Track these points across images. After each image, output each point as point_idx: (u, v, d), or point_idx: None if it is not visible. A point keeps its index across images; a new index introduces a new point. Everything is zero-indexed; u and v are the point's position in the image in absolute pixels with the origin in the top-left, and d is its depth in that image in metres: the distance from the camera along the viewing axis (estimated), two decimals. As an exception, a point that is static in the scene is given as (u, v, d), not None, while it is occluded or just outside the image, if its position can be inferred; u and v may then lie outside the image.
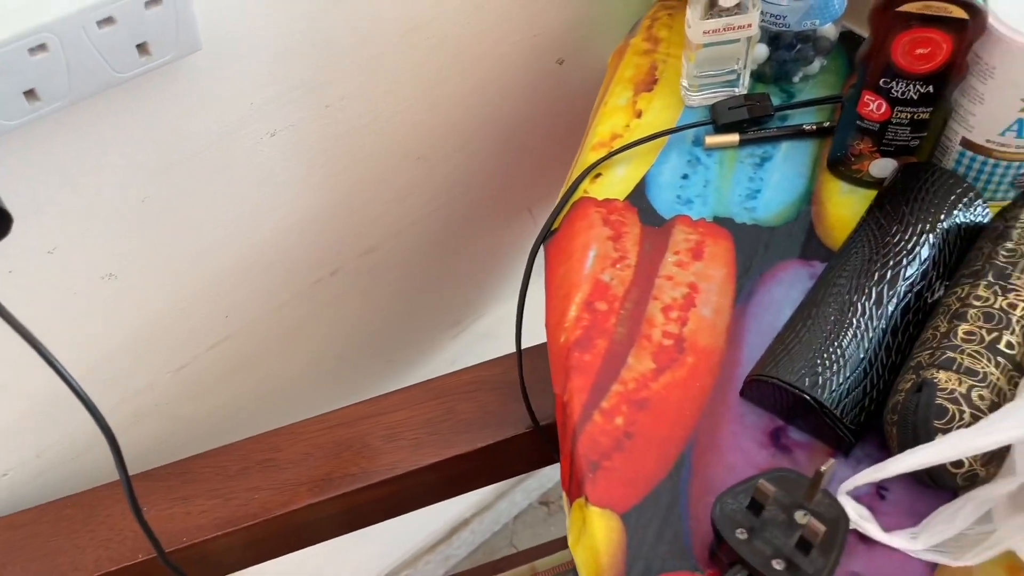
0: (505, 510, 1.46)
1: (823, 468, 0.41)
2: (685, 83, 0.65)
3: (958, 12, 0.48)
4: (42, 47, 0.44)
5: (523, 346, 0.65)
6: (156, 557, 0.62)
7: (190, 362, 0.74)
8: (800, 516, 0.42)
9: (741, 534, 0.42)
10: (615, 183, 0.62)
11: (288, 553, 0.72)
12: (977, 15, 0.48)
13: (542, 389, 0.68)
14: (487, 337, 1.07)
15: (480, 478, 0.72)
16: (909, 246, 0.51)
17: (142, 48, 0.49)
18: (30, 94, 0.46)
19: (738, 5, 0.59)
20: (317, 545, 0.74)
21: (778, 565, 0.41)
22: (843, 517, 0.42)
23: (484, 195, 0.86)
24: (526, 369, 0.66)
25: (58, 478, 0.71)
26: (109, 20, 0.46)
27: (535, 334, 0.64)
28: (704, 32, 0.59)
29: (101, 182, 0.56)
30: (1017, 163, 0.54)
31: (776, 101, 0.64)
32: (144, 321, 0.67)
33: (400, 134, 0.73)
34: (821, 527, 0.40)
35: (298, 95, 0.63)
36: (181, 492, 0.67)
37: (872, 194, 0.59)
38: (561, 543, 1.00)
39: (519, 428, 0.69)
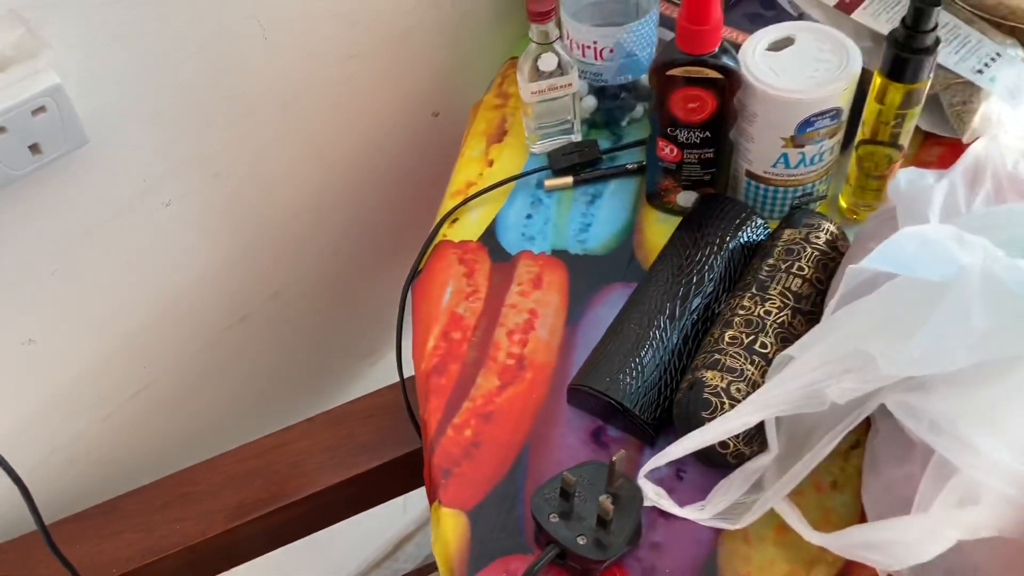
0: (446, 523, 1.54)
1: (614, 458, 0.51)
2: (527, 134, 0.75)
3: (715, 74, 0.58)
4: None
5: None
6: (90, 588, 0.70)
7: (115, 411, 0.81)
8: (603, 499, 0.51)
9: (553, 518, 0.51)
10: (469, 226, 0.72)
11: (216, 574, 0.80)
12: (731, 75, 0.59)
13: (429, 409, 0.77)
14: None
15: (382, 492, 0.81)
16: (700, 266, 0.61)
17: (34, 148, 0.57)
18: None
19: (559, 67, 0.69)
20: (261, 568, 0.82)
21: (582, 540, 0.50)
22: (638, 496, 0.52)
23: (377, 238, 0.95)
24: (414, 393, 0.75)
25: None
26: (1, 129, 0.55)
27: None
28: (532, 92, 0.69)
29: (11, 260, 0.64)
30: (792, 188, 0.65)
31: (606, 144, 0.74)
32: (67, 378, 0.75)
33: (289, 191, 0.81)
34: (610, 505, 0.49)
35: (188, 168, 0.71)
36: (109, 528, 0.75)
37: (682, 221, 0.69)
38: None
39: (412, 445, 0.77)
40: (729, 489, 0.53)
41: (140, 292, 0.75)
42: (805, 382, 0.47)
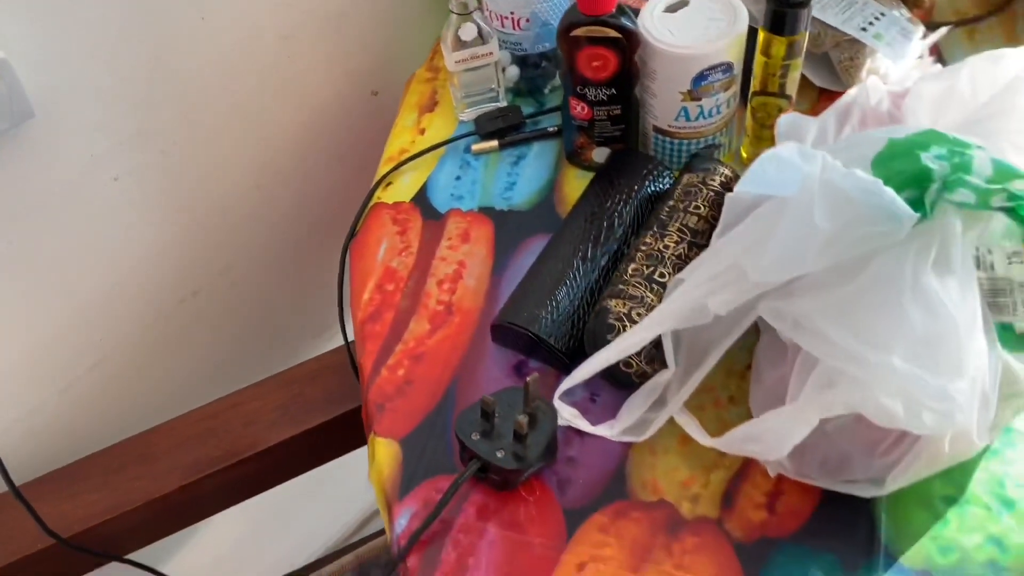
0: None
1: (528, 379, 0.56)
2: (455, 103, 0.80)
3: (614, 33, 0.64)
4: None
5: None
6: (54, 544, 0.74)
7: (72, 383, 0.85)
8: (520, 418, 0.56)
9: (475, 436, 0.56)
10: (402, 189, 0.77)
11: (180, 529, 0.84)
12: (630, 34, 0.64)
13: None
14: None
15: (333, 447, 0.85)
16: (611, 213, 0.66)
17: (-20, 121, 0.62)
18: None
19: (480, 36, 0.74)
20: (233, 541, 0.85)
21: (501, 454, 0.55)
22: (552, 413, 0.57)
23: (322, 211, 1.00)
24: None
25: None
26: (-50, 103, 0.59)
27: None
28: (456, 61, 0.74)
29: (-38, 232, 0.68)
30: (696, 140, 0.70)
31: (529, 110, 0.80)
32: (23, 351, 0.78)
33: (234, 168, 0.86)
34: (524, 420, 0.54)
35: (134, 144, 0.75)
36: (70, 490, 0.79)
37: (598, 176, 0.74)
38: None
39: (359, 402, 0.82)
40: (633, 406, 0.58)
41: (92, 266, 0.79)
42: (690, 298, 0.53)
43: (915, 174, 0.46)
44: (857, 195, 0.44)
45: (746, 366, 0.62)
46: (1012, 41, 0.81)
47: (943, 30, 0.78)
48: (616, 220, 0.66)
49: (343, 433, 0.83)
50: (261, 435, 0.81)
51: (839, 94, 0.72)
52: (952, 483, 0.54)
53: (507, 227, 0.73)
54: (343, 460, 0.90)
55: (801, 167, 0.46)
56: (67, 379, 0.84)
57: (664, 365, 0.58)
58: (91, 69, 0.69)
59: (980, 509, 0.54)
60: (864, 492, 0.52)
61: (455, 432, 0.57)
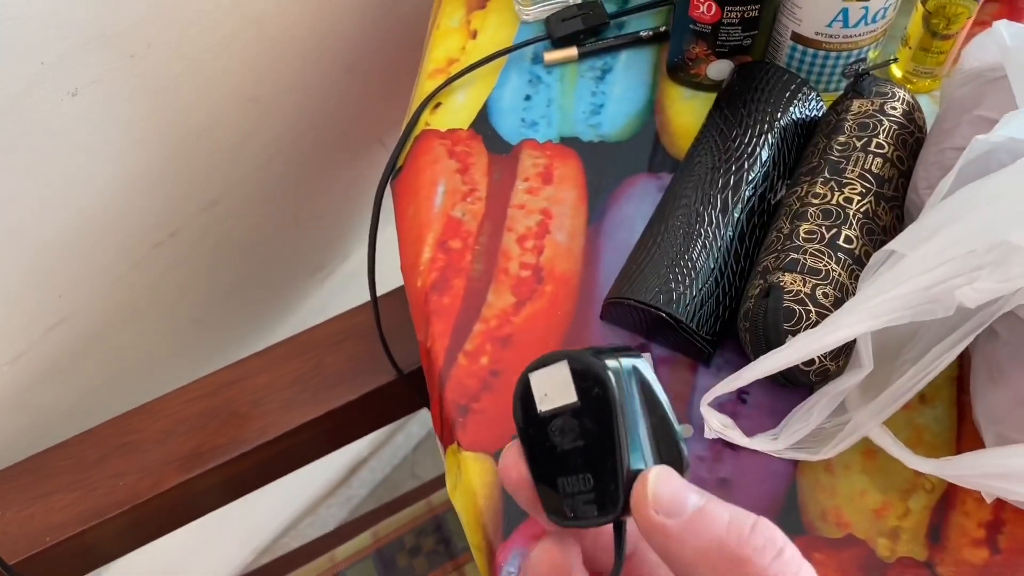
0: (403, 443, 1.45)
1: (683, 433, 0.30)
2: (517, -3, 0.62)
3: (776, -96, 0.47)
4: None
5: (389, 288, 0.62)
6: (18, 562, 0.58)
7: (27, 350, 0.68)
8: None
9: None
10: (457, 111, 0.60)
11: (169, 531, 0.69)
12: (794, -94, 0.47)
13: (409, 334, 0.67)
14: (355, 277, 1.04)
15: (358, 429, 0.70)
16: (750, 149, 0.51)
17: None
18: None
19: (561, -90, 0.56)
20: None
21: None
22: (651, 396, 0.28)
23: (329, 132, 0.82)
24: (392, 312, 0.64)
25: None
26: None
27: (394, 275, 0.62)
28: (529, -58, 0.56)
29: None
30: (846, 53, 0.55)
31: (611, 8, 0.62)
32: (-38, 315, 0.61)
33: (222, 76, 0.67)
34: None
35: (95, 47, 0.56)
36: (37, 489, 0.63)
37: (713, 98, 0.58)
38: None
39: (393, 374, 0.67)
40: (809, 415, 0.44)
41: (47, 204, 0.61)
42: (925, 283, 0.38)
43: None
44: None
45: (936, 354, 0.48)
46: None
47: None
48: (757, 158, 0.51)
49: (375, 411, 0.69)
50: (274, 417, 0.65)
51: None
52: None
53: (598, 163, 0.57)
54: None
55: None
56: (18, 346, 0.67)
57: (849, 360, 0.44)
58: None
59: None
60: None
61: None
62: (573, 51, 0.60)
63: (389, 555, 0.81)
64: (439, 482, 0.93)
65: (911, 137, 0.49)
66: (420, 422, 1.45)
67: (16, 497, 0.63)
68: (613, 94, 0.60)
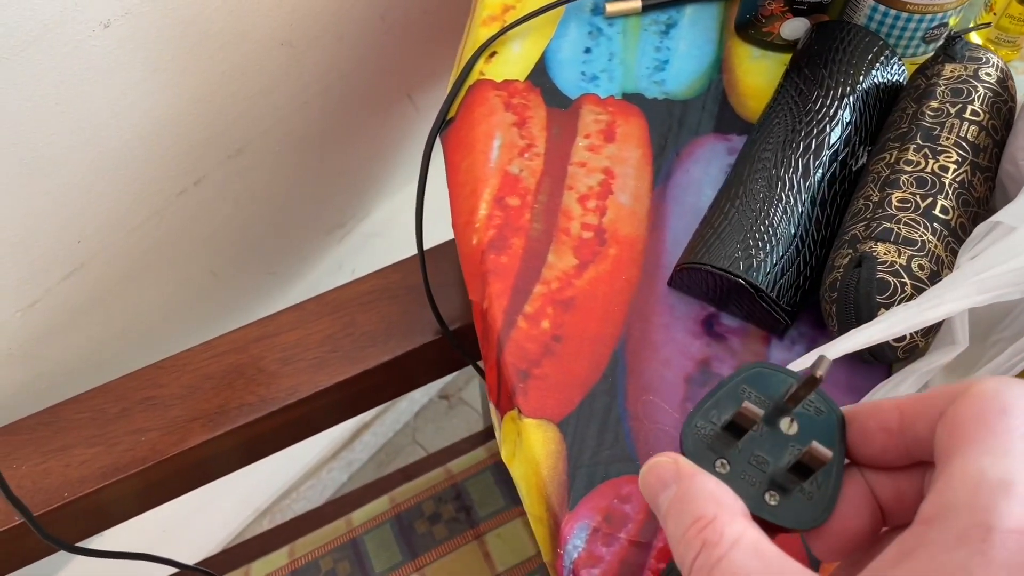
0: (406, 408, 1.43)
1: (819, 373, 0.29)
2: (579, -56, 0.59)
3: None
4: None
5: (412, 249, 0.59)
6: (22, 524, 0.55)
7: (42, 297, 0.65)
8: (787, 425, 0.31)
9: (722, 467, 0.31)
10: (513, 62, 0.56)
11: (186, 492, 0.66)
12: None
13: (445, 293, 0.64)
14: (375, 236, 1.01)
15: (388, 391, 0.68)
16: (831, 112, 0.48)
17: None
18: None
19: None
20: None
21: (772, 500, 0.30)
22: (838, 416, 0.31)
23: (359, 82, 0.78)
24: (417, 272, 0.61)
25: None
26: None
27: (429, 233, 0.59)
28: None
29: None
30: (929, 15, 0.52)
31: (676, -40, 0.59)
32: (-22, 257, 0.57)
33: (258, 17, 0.63)
34: (827, 452, 0.29)
35: (130, -25, 0.53)
36: (55, 443, 0.60)
37: (784, 58, 0.55)
38: (467, 442, 0.98)
39: (427, 336, 0.64)
40: (896, 392, 0.42)
41: (71, 143, 0.57)
42: (1040, 258, 0.36)
43: None
44: None
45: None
46: None
47: None
48: (839, 122, 0.48)
49: (403, 375, 0.66)
50: (304, 378, 0.63)
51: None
52: None
53: (663, 122, 0.54)
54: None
55: None
56: (35, 292, 0.64)
57: (936, 337, 0.42)
58: None
59: None
60: None
61: (684, 454, 0.31)
62: (637, 3, 0.57)
63: (407, 521, 0.79)
64: (457, 449, 0.91)
65: (1004, 106, 0.47)
66: (423, 388, 1.43)
67: (32, 451, 0.60)
68: (678, 50, 0.57)
